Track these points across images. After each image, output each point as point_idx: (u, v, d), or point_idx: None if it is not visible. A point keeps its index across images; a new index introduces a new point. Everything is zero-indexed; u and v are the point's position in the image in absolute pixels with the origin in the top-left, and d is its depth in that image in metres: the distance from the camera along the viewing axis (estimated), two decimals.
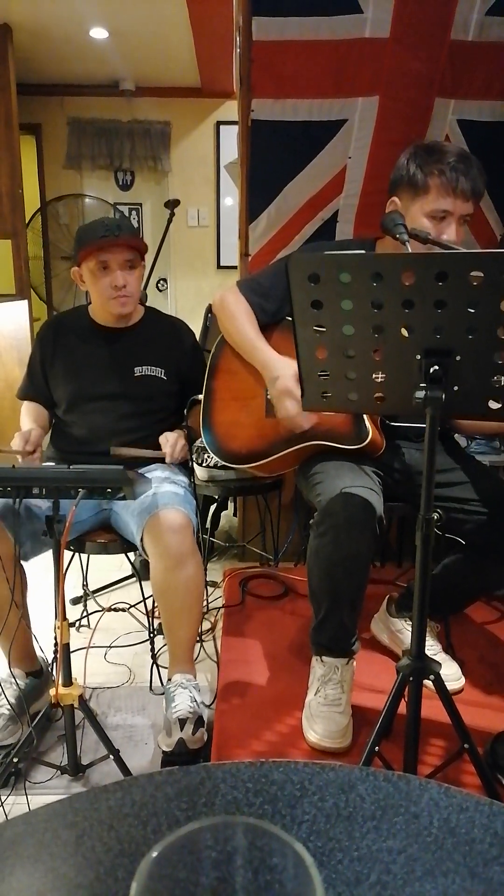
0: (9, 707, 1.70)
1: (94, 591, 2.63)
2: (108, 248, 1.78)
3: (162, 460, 1.82)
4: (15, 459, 1.74)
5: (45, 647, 1.86)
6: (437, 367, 1.11)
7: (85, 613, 2.46)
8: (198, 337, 2.17)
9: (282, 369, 1.61)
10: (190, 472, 1.97)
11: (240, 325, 1.72)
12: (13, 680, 1.72)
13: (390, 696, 1.26)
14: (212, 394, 1.81)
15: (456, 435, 1.85)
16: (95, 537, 1.85)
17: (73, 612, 2.45)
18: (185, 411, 2.02)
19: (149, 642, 2.06)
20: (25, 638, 1.75)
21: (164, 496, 1.67)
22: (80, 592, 2.52)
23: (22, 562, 1.69)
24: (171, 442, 1.82)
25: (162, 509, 1.63)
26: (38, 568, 1.84)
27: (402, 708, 1.24)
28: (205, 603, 1.97)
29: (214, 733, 1.60)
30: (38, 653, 1.81)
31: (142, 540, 1.66)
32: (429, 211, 1.52)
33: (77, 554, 2.04)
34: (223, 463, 1.77)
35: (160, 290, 5.43)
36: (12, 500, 1.42)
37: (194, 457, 2.24)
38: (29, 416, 1.95)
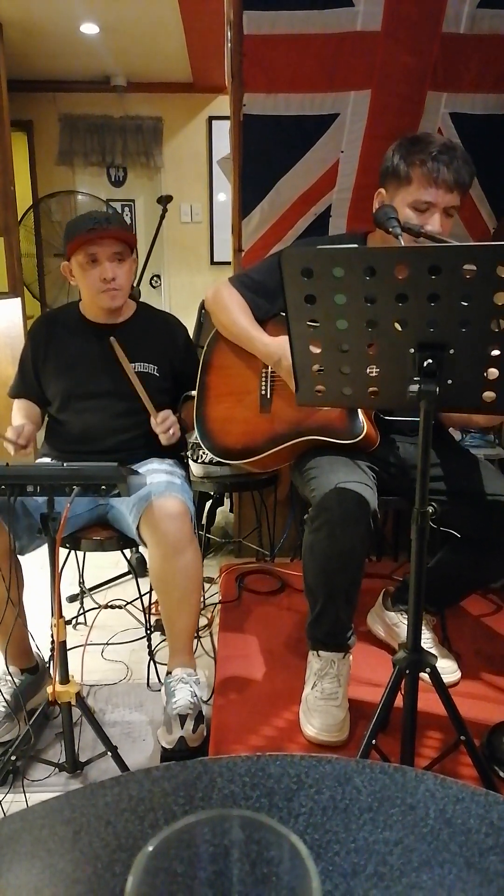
0: (5, 704, 1.70)
1: (91, 589, 2.63)
2: (97, 241, 1.77)
3: (155, 452, 1.81)
4: (8, 457, 1.74)
5: (41, 644, 1.86)
6: (430, 361, 1.11)
7: (82, 611, 2.46)
8: (191, 333, 2.16)
9: (283, 349, 1.60)
10: (185, 467, 1.96)
11: (235, 317, 1.71)
12: (9, 677, 1.72)
13: (387, 690, 1.26)
14: (205, 390, 1.80)
15: (450, 428, 1.85)
16: (91, 534, 1.85)
17: (70, 610, 2.45)
18: (179, 407, 2.02)
19: (146, 639, 2.06)
20: (22, 635, 1.74)
21: (160, 485, 1.66)
22: (77, 590, 2.52)
23: (19, 556, 1.68)
24: (161, 413, 1.79)
25: (159, 497, 1.62)
26: (35, 566, 1.84)
27: (399, 701, 1.25)
28: (202, 591, 1.97)
29: (212, 729, 1.60)
30: (34, 649, 1.81)
31: (138, 529, 1.66)
32: (411, 202, 1.52)
33: (73, 551, 2.04)
34: (218, 459, 1.77)
35: (154, 287, 5.41)
36: (7, 498, 1.41)
37: (189, 453, 2.24)
38: (21, 414, 1.95)
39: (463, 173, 1.50)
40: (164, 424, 1.78)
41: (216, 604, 2.36)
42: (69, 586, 2.55)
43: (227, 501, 3.21)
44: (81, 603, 2.49)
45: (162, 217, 3.48)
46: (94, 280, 1.81)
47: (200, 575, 1.71)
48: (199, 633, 2.20)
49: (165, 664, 1.74)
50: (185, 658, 1.70)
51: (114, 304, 1.86)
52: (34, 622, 1.81)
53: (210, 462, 2.35)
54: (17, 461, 1.72)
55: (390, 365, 1.17)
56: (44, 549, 1.57)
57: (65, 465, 1.42)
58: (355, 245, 1.67)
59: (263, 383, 1.73)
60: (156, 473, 1.73)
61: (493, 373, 1.13)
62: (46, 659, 1.87)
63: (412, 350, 1.13)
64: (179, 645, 1.69)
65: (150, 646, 2.03)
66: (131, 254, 1.85)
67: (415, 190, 1.51)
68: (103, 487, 1.39)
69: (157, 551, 1.62)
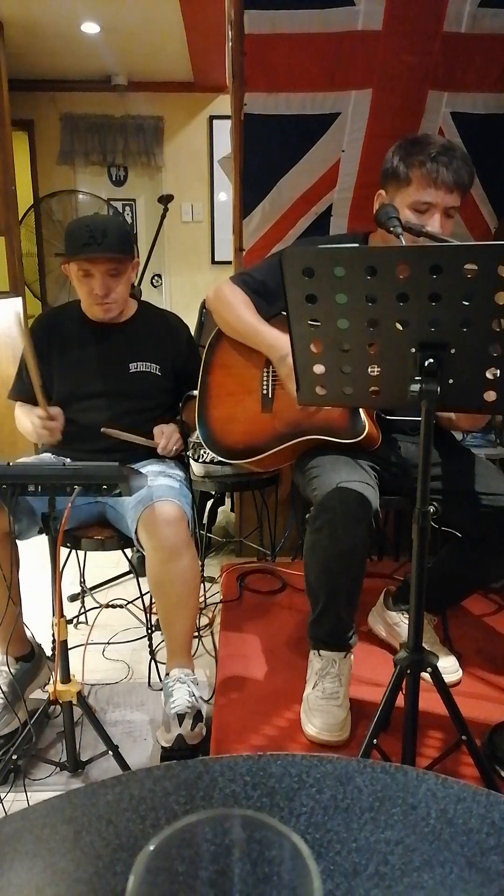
0: (2, 696, 1.69)
1: (92, 588, 2.63)
2: (91, 259, 1.76)
3: (154, 451, 1.82)
4: (10, 456, 1.74)
5: (42, 643, 1.86)
6: (431, 361, 1.11)
7: (83, 610, 2.46)
8: (192, 332, 2.16)
9: (289, 347, 1.60)
10: (186, 467, 1.96)
11: (239, 312, 1.71)
12: (4, 668, 1.71)
13: (388, 689, 1.26)
14: (207, 389, 1.80)
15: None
16: (92, 534, 1.85)
17: (71, 609, 2.45)
18: (181, 406, 2.02)
19: (147, 638, 2.06)
20: (17, 620, 1.73)
21: (158, 489, 1.67)
22: (78, 589, 2.52)
23: (17, 541, 1.68)
24: (165, 434, 1.81)
25: (156, 502, 1.63)
26: (35, 565, 1.84)
27: (401, 700, 1.25)
28: (203, 598, 1.97)
29: (213, 728, 1.60)
30: (28, 635, 1.80)
31: (136, 533, 1.66)
32: (410, 203, 1.52)
33: (74, 551, 2.04)
34: (220, 458, 1.77)
35: (155, 286, 5.42)
36: (8, 496, 1.42)
37: (191, 452, 2.24)
38: (26, 417, 1.94)
39: (462, 174, 1.50)
40: (167, 449, 1.80)
41: (217, 603, 2.36)
42: (70, 585, 2.55)
43: (228, 501, 3.21)
44: (82, 602, 2.49)
45: (163, 216, 3.49)
46: (88, 293, 1.81)
47: (198, 579, 1.71)
48: (201, 632, 2.20)
49: (166, 663, 1.74)
50: (183, 660, 1.70)
51: (106, 317, 1.86)
52: (36, 621, 1.80)
53: (211, 461, 2.35)
54: (19, 461, 1.72)
55: (391, 364, 1.17)
56: (45, 549, 1.57)
57: (66, 464, 1.42)
58: (356, 244, 1.67)
59: (265, 383, 1.73)
60: (155, 476, 1.73)
61: (494, 372, 1.13)
62: (48, 656, 1.87)
63: (413, 350, 1.12)
64: (177, 647, 1.70)
65: (150, 645, 2.03)
66: (131, 260, 1.83)
67: (414, 191, 1.51)
68: (104, 487, 1.39)
69: (154, 556, 1.62)
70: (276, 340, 1.64)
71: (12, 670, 1.73)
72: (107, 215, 1.72)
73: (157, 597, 1.69)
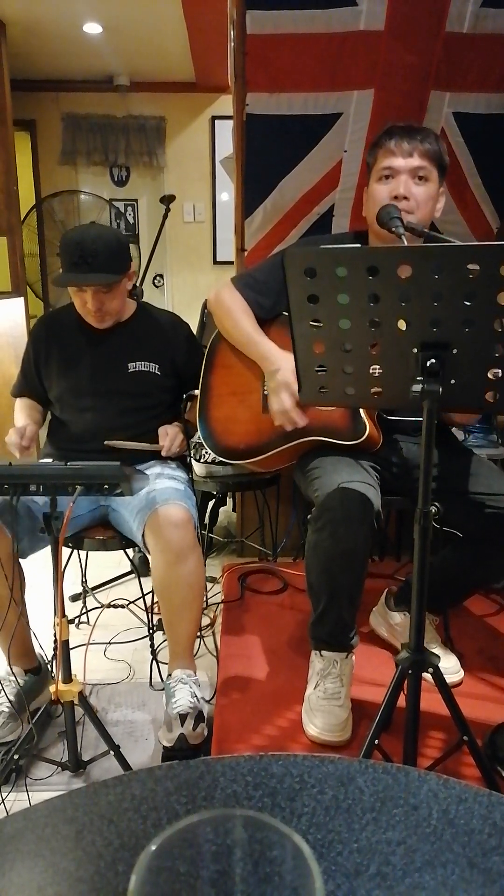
0: (8, 704, 1.70)
1: (94, 588, 2.63)
2: (79, 285, 1.76)
3: (158, 454, 1.82)
4: (12, 456, 1.74)
5: (44, 644, 1.86)
6: (434, 361, 1.11)
7: (84, 610, 2.46)
8: (194, 332, 2.16)
9: (282, 362, 1.61)
10: (188, 468, 1.96)
11: (237, 320, 1.71)
12: (13, 678, 1.72)
13: (389, 690, 1.26)
14: (208, 389, 1.80)
15: (453, 428, 1.85)
16: (94, 534, 1.85)
17: (73, 609, 2.46)
18: (182, 406, 2.02)
19: (148, 638, 2.06)
20: (24, 636, 1.75)
21: (164, 492, 1.67)
22: (80, 589, 2.52)
23: (20, 559, 1.69)
24: (169, 435, 1.81)
25: (163, 505, 1.63)
26: (37, 565, 1.84)
27: (402, 701, 1.25)
28: (204, 598, 1.97)
29: (214, 728, 1.60)
30: (37, 650, 1.81)
31: (143, 536, 1.66)
32: (377, 177, 1.56)
33: (76, 551, 2.05)
34: (221, 459, 1.77)
35: (156, 287, 5.41)
36: (10, 498, 1.41)
37: (192, 452, 2.24)
38: (23, 413, 1.95)
39: (424, 142, 1.53)
40: (172, 450, 1.80)
41: (219, 603, 2.36)
42: (72, 586, 2.55)
43: (229, 501, 3.21)
44: (84, 602, 2.49)
45: (165, 216, 3.49)
46: (81, 305, 1.82)
47: (202, 582, 1.71)
48: (202, 632, 2.20)
49: (167, 663, 1.74)
50: (185, 661, 1.70)
51: (100, 326, 1.86)
52: (37, 621, 1.81)
53: (213, 462, 2.35)
54: (20, 461, 1.72)
55: (393, 365, 1.17)
56: (46, 549, 1.57)
57: (67, 464, 1.42)
58: (358, 245, 1.67)
59: (266, 383, 1.73)
60: (159, 479, 1.74)
61: (496, 373, 1.13)
62: (49, 658, 1.87)
63: (415, 350, 1.12)
64: (180, 649, 1.70)
65: (152, 645, 2.04)
66: (123, 278, 1.80)
67: (378, 164, 1.56)
68: (106, 487, 1.39)
69: (161, 558, 1.62)
70: (270, 353, 1.65)
71: (20, 681, 1.74)
72: (101, 227, 1.67)
73: (161, 599, 1.69)
